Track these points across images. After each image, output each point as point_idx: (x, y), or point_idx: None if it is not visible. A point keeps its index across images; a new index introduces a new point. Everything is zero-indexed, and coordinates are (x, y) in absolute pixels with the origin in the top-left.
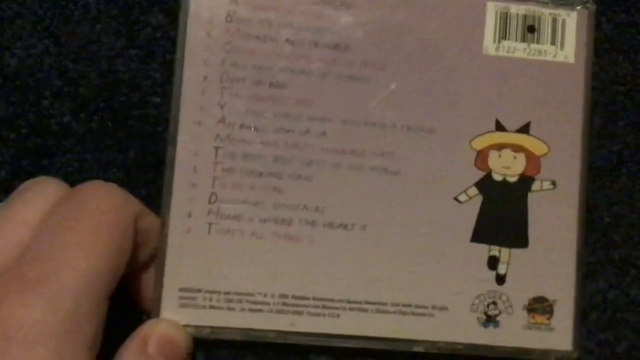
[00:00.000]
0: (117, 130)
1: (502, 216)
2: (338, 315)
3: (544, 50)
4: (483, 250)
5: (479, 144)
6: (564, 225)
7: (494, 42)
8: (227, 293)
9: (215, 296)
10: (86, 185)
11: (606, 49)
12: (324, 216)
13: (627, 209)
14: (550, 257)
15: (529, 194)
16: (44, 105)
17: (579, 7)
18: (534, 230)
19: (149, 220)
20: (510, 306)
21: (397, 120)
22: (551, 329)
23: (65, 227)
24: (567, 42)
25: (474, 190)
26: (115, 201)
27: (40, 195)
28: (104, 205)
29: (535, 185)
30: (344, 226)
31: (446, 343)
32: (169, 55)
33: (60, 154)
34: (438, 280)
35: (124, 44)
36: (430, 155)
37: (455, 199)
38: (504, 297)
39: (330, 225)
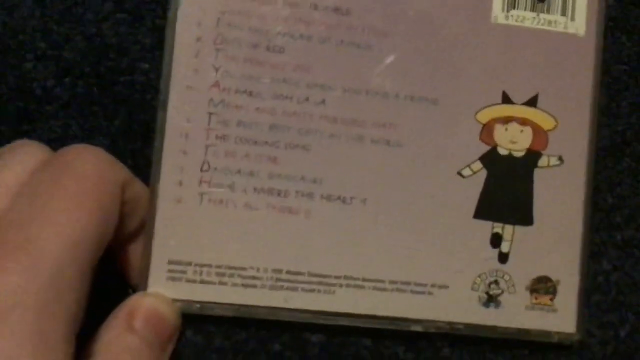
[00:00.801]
0: (103, 97)
1: (506, 192)
2: (334, 292)
3: (554, 21)
4: (486, 227)
5: (485, 116)
6: (570, 203)
7: (503, 10)
8: (219, 267)
9: (205, 270)
10: (70, 148)
11: (610, 28)
12: (321, 188)
13: (631, 190)
14: (555, 235)
15: (535, 170)
16: (27, 69)
17: None
18: (539, 207)
19: (137, 188)
20: (513, 286)
21: (399, 89)
22: (554, 310)
23: (47, 191)
24: (578, 14)
25: (478, 165)
26: (101, 165)
27: (21, 158)
28: (89, 169)
29: (542, 161)
30: (342, 199)
31: (445, 322)
32: (159, 20)
33: (42, 119)
34: (438, 258)
35: (111, 7)
36: (433, 127)
37: (459, 173)
38: (506, 277)
39: (328, 198)
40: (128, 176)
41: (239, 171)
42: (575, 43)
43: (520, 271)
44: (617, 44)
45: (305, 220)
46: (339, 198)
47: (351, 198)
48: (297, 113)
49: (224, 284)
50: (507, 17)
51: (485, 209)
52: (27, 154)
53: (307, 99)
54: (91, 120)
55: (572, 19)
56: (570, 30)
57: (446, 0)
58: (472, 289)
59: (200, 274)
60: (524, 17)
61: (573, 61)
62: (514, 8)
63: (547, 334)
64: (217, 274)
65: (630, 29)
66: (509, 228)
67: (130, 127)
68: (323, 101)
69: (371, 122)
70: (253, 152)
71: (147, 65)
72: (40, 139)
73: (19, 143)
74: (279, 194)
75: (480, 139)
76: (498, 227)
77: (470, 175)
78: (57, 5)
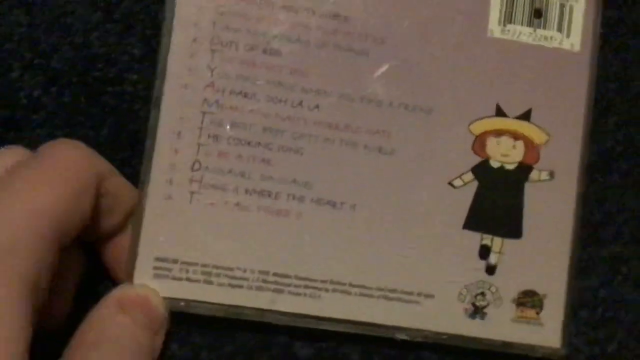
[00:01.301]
0: (91, 107)
1: (497, 204)
2: (320, 297)
3: (550, 37)
4: (475, 239)
5: (478, 128)
6: (559, 217)
7: (499, 24)
8: (205, 266)
9: (192, 268)
10: (50, 142)
11: (599, 45)
12: (312, 192)
13: (618, 207)
14: (544, 249)
15: (526, 184)
16: (13, 77)
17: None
18: (529, 221)
19: (118, 183)
20: (499, 298)
21: (394, 97)
22: (540, 324)
23: (19, 172)
24: (573, 30)
25: (469, 176)
26: (77, 152)
27: (5, 157)
28: (65, 154)
29: (533, 175)
30: (332, 204)
31: (431, 332)
32: (148, 30)
33: (28, 128)
34: (426, 267)
35: (100, 18)
36: (426, 137)
37: (450, 183)
38: (493, 289)
39: (319, 202)
40: (108, 169)
41: (230, 171)
42: (570, 59)
43: (507, 284)
44: (604, 61)
45: (295, 223)
46: (329, 203)
47: (341, 203)
48: (291, 117)
49: (210, 283)
50: (503, 32)
51: (475, 220)
52: (11, 154)
53: (301, 103)
54: (78, 130)
55: (568, 35)
56: (566, 46)
57: (443, 12)
58: (459, 299)
59: (187, 272)
60: (520, 32)
61: (567, 77)
62: (510, 22)
63: (532, 348)
64: (204, 273)
65: (617, 47)
66: (497, 240)
67: (117, 137)
68: (317, 106)
69: (365, 129)
70: (246, 153)
71: (135, 76)
72: (26, 147)
73: (4, 147)
74: (269, 196)
75: (473, 150)
76: (487, 239)
77: (462, 186)
78: (45, 15)
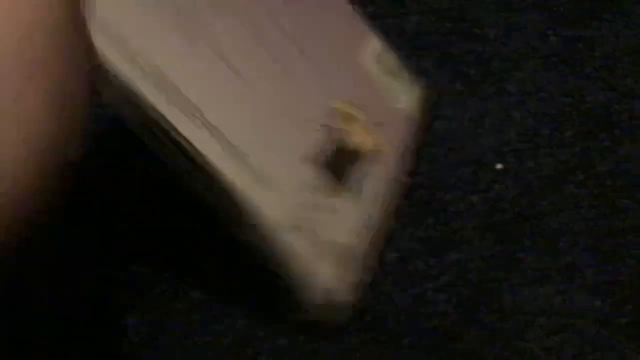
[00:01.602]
0: None
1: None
2: (199, 125)
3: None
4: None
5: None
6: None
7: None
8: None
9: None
10: None
11: (554, 62)
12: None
13: (574, 217)
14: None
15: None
16: None
17: (414, 87)
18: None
19: None
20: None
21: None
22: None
23: None
24: (405, 96)
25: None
26: None
27: None
28: None
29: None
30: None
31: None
32: None
33: None
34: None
35: None
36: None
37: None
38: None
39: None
40: None
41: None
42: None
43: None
44: (560, 76)
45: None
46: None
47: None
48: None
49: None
50: (377, 64)
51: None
52: None
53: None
54: None
55: (404, 95)
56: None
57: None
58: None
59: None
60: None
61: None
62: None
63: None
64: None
65: (572, 63)
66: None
67: None
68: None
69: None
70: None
71: None
72: None
73: None
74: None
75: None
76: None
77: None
78: None
